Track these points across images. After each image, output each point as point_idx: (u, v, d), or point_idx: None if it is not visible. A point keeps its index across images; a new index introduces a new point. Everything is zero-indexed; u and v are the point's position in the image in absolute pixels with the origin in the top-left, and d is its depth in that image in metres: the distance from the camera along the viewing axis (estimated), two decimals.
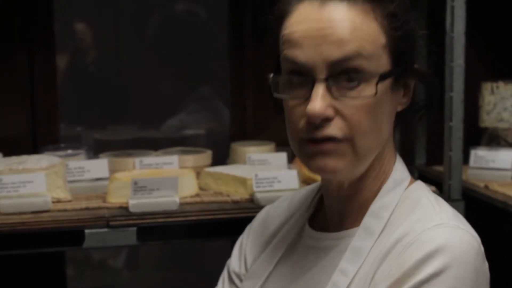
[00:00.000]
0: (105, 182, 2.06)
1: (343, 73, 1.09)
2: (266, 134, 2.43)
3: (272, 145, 2.35)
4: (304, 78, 1.11)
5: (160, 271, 3.12)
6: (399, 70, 1.13)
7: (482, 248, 1.13)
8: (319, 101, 1.09)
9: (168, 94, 2.88)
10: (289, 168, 2.18)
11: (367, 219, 1.17)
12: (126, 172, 2.11)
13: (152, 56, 2.90)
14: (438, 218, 1.12)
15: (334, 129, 1.11)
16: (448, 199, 2.10)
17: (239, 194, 2.05)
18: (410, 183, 1.22)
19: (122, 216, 1.89)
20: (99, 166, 2.13)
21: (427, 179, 2.36)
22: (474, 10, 2.21)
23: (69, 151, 2.24)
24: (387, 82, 1.12)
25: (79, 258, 3.07)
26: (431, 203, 1.17)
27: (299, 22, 1.11)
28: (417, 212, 1.15)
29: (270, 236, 1.33)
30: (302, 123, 1.12)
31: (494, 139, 2.45)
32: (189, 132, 2.83)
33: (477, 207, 2.18)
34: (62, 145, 2.34)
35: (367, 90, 1.09)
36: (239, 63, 2.60)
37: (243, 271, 1.36)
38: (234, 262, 1.38)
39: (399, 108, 1.18)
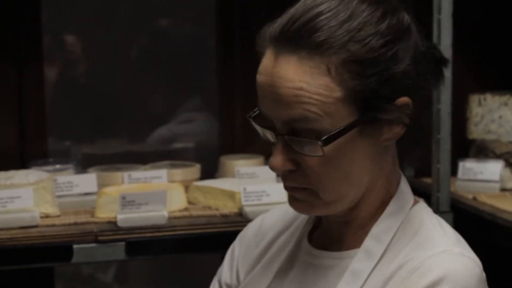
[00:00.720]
0: (94, 197, 2.05)
1: (295, 131, 1.08)
2: (255, 147, 2.43)
3: (261, 158, 2.35)
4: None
5: (150, 285, 3.11)
6: (370, 116, 1.07)
7: (483, 274, 1.13)
8: (278, 156, 1.09)
9: (157, 108, 2.88)
10: (278, 181, 2.18)
11: (368, 242, 1.15)
12: (115, 186, 2.11)
13: (142, 69, 2.90)
14: (443, 243, 1.11)
15: (297, 180, 1.11)
16: (437, 211, 2.10)
17: (228, 208, 2.04)
18: (413, 204, 1.19)
19: (111, 231, 1.89)
20: (87, 181, 2.13)
21: (416, 191, 2.35)
22: (461, 23, 2.22)
23: (58, 166, 2.24)
24: (353, 132, 1.07)
25: (68, 273, 3.06)
26: (435, 227, 1.15)
27: (260, 72, 1.09)
28: (420, 236, 1.13)
29: (265, 248, 1.30)
30: None
31: (482, 151, 2.46)
32: (178, 145, 2.83)
33: (465, 219, 2.18)
34: (51, 159, 2.33)
35: (315, 151, 1.07)
36: (228, 76, 2.60)
37: (234, 282, 1.34)
38: (226, 273, 1.36)
39: (386, 143, 1.12)
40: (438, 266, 1.07)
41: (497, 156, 2.40)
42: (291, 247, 1.26)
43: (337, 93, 1.05)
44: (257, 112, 1.13)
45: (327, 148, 1.06)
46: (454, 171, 2.25)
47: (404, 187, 1.20)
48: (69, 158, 2.48)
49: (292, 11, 1.08)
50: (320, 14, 1.06)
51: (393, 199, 1.17)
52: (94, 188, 2.11)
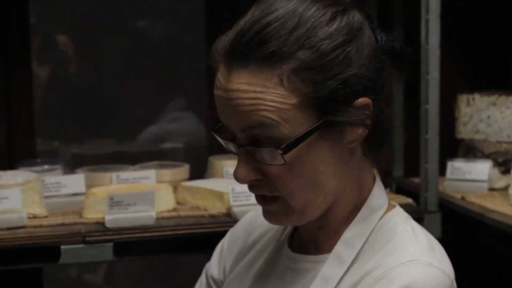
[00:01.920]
0: (82, 198, 2.05)
1: (255, 140, 1.07)
2: None
3: None
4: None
5: (138, 286, 3.10)
6: (329, 120, 1.06)
7: (454, 284, 1.11)
8: (241, 167, 1.09)
9: (146, 108, 2.88)
10: None
11: (339, 247, 1.14)
12: (103, 187, 2.10)
13: (130, 70, 2.90)
14: (412, 252, 1.10)
15: (264, 189, 1.11)
16: (425, 211, 2.10)
17: (216, 208, 2.04)
18: (388, 209, 1.18)
19: (98, 231, 1.89)
20: (75, 181, 2.12)
21: (405, 191, 2.37)
22: (450, 23, 2.23)
23: (46, 166, 2.23)
24: (314, 137, 1.06)
25: (57, 274, 3.05)
26: (407, 233, 1.14)
27: (216, 87, 1.09)
28: (391, 243, 1.12)
29: (249, 245, 1.30)
30: None
31: (471, 151, 2.47)
32: (167, 145, 2.83)
33: (453, 219, 2.19)
34: (39, 160, 2.33)
35: (277, 159, 1.06)
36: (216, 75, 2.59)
37: (221, 277, 1.34)
38: (214, 267, 1.36)
39: (351, 145, 1.11)
40: (403, 275, 1.06)
41: (486, 156, 2.41)
42: (272, 249, 1.25)
43: (293, 100, 1.04)
44: (220, 124, 1.13)
45: (288, 156, 1.05)
46: (442, 171, 2.26)
47: (377, 191, 1.18)
48: (57, 159, 2.47)
49: (241, 23, 1.07)
50: (268, 25, 1.05)
51: (366, 203, 1.16)
52: (82, 189, 2.10)
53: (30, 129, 2.48)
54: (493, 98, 2.42)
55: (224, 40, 1.09)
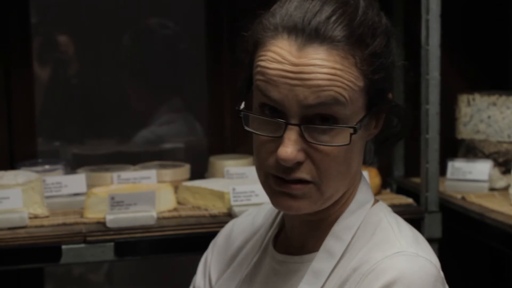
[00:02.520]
0: (83, 198, 2.05)
1: (317, 119, 1.07)
2: (244, 147, 2.43)
3: (250, 158, 2.35)
4: (277, 115, 1.09)
5: (139, 286, 3.10)
6: (375, 110, 1.11)
7: (441, 274, 1.12)
8: (290, 146, 1.07)
9: (146, 108, 2.88)
10: None
11: (328, 241, 1.15)
12: (104, 187, 2.10)
13: (131, 70, 2.90)
14: (398, 244, 1.11)
15: (303, 172, 1.09)
16: (425, 211, 2.11)
17: (217, 208, 2.05)
18: (373, 204, 1.20)
19: (99, 231, 1.89)
20: (76, 181, 2.12)
21: (405, 191, 2.37)
22: (450, 23, 2.23)
23: (47, 167, 2.23)
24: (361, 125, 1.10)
25: (58, 274, 3.05)
26: (391, 227, 1.15)
27: (276, 60, 1.07)
28: (376, 237, 1.13)
29: (234, 253, 1.31)
30: (272, 160, 1.10)
31: (471, 151, 2.47)
32: (167, 145, 2.83)
33: (454, 219, 2.19)
34: (40, 160, 2.33)
35: (340, 139, 1.07)
36: (216, 75, 2.60)
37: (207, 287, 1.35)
38: (199, 279, 1.36)
39: (369, 138, 1.16)
40: (391, 268, 1.07)
41: (486, 156, 2.41)
42: (258, 252, 1.25)
43: (361, 83, 1.08)
44: (256, 105, 1.12)
45: (353, 137, 1.08)
46: (443, 171, 2.26)
47: (365, 186, 1.20)
48: (58, 159, 2.47)
49: (302, 3, 1.09)
50: (338, 7, 1.08)
51: (354, 198, 1.18)
52: (83, 189, 2.11)
53: (31, 129, 2.48)
54: (494, 98, 2.42)
55: (285, 14, 1.09)
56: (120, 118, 2.89)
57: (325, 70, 1.06)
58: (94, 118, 2.87)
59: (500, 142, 2.41)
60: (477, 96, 2.46)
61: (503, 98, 2.41)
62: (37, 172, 2.12)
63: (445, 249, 2.02)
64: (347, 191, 1.17)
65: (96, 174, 2.25)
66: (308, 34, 1.07)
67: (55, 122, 2.86)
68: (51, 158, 2.42)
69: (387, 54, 1.11)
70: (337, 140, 1.07)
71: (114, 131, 2.88)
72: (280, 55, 1.07)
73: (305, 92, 1.06)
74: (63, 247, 1.85)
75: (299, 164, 1.09)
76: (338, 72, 1.06)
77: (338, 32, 1.07)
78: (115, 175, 2.21)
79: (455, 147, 2.53)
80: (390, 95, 1.14)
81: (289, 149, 1.07)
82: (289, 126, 1.07)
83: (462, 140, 2.51)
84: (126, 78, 2.89)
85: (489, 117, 2.43)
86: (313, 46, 1.06)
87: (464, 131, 2.48)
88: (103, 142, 2.86)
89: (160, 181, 2.22)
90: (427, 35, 2.08)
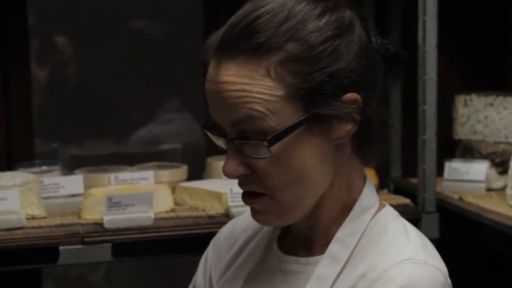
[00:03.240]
0: (80, 198, 2.05)
1: (243, 134, 1.08)
2: None
3: None
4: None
5: (137, 286, 3.10)
6: (316, 113, 1.06)
7: (449, 281, 1.11)
8: (229, 161, 1.09)
9: (144, 109, 2.88)
10: None
11: (332, 246, 1.14)
12: (101, 188, 2.11)
13: (129, 71, 2.90)
14: (406, 251, 1.10)
15: (253, 185, 1.10)
16: (423, 211, 2.11)
17: (215, 209, 2.05)
18: (379, 209, 1.18)
19: (97, 232, 1.89)
20: (74, 182, 2.12)
21: (403, 191, 2.38)
22: (447, 23, 2.23)
23: (44, 168, 2.24)
24: (301, 130, 1.07)
25: (56, 274, 3.05)
26: (399, 232, 1.14)
27: (207, 80, 1.09)
28: (383, 243, 1.13)
29: (236, 253, 1.29)
30: None
31: (468, 151, 2.47)
32: (165, 146, 2.83)
33: (451, 219, 2.19)
34: (37, 161, 2.33)
35: (263, 152, 1.06)
36: None
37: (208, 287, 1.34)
38: (200, 279, 1.35)
39: (340, 141, 1.11)
40: (400, 275, 1.06)
41: (483, 157, 2.41)
42: (261, 251, 1.25)
43: (280, 91, 1.05)
44: (212, 122, 1.13)
45: (275, 148, 1.06)
46: (440, 172, 2.26)
47: (368, 190, 1.18)
48: (55, 160, 2.47)
49: (233, 18, 1.09)
50: (258, 17, 1.06)
51: (357, 202, 1.16)
52: (80, 190, 2.11)
53: (28, 130, 2.48)
54: (491, 98, 2.43)
55: (217, 34, 1.10)
56: (118, 119, 2.89)
57: (234, 87, 1.05)
58: (92, 119, 2.88)
59: (497, 143, 2.42)
60: (474, 97, 2.46)
61: (500, 98, 2.42)
62: (35, 173, 2.13)
63: (442, 250, 2.01)
64: (329, 193, 1.14)
65: (93, 175, 2.25)
66: (223, 50, 1.07)
67: (53, 123, 2.86)
68: (49, 159, 2.42)
69: (329, 57, 1.06)
70: (264, 152, 1.06)
71: (112, 132, 2.89)
72: (208, 75, 1.09)
73: (225, 112, 1.07)
74: (61, 248, 1.85)
75: (247, 176, 1.10)
76: (247, 87, 1.05)
77: (250, 43, 1.05)
78: (112, 176, 2.21)
79: (452, 147, 2.53)
80: (348, 96, 1.08)
81: (228, 163, 1.09)
82: (229, 143, 1.09)
83: (459, 141, 2.51)
84: (124, 79, 2.89)
85: (486, 117, 2.43)
86: (227, 62, 1.06)
87: (461, 132, 2.49)
88: (100, 143, 2.86)
89: (157, 182, 2.22)
90: (424, 35, 2.08)
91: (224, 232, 1.36)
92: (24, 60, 2.48)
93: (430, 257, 1.11)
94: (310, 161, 1.10)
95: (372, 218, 1.16)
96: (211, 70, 1.09)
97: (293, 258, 1.19)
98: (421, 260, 1.09)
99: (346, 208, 1.16)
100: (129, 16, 2.88)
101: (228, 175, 1.10)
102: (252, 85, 1.05)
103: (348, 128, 1.10)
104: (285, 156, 1.08)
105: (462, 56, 2.62)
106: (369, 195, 1.18)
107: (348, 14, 1.11)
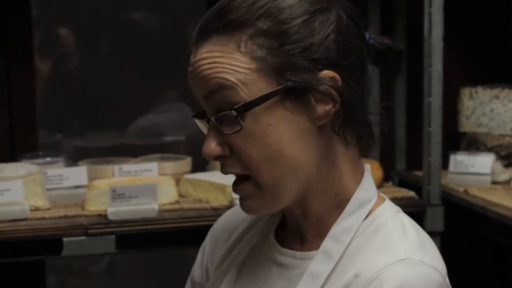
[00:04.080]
0: (84, 190, 2.05)
1: (218, 109, 1.09)
2: None
3: None
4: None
5: (141, 278, 3.10)
6: (289, 86, 1.07)
7: (447, 281, 1.10)
8: (207, 141, 1.10)
9: (147, 100, 2.88)
10: None
11: (326, 243, 1.13)
12: (105, 179, 2.10)
13: (132, 63, 2.90)
14: (402, 250, 1.08)
15: (231, 166, 1.11)
16: (428, 204, 2.10)
17: (219, 201, 2.04)
18: (377, 204, 1.16)
19: (101, 224, 1.89)
20: (78, 174, 2.12)
21: (407, 184, 2.37)
22: (453, 15, 2.22)
23: (48, 159, 2.23)
24: (275, 105, 1.07)
25: (60, 266, 3.06)
26: (397, 230, 1.12)
27: (189, 66, 1.13)
28: (380, 241, 1.11)
29: (233, 243, 1.28)
30: None
31: (473, 144, 2.46)
32: (169, 138, 2.83)
33: (456, 212, 2.18)
34: (41, 152, 2.32)
35: (235, 126, 1.07)
36: None
37: (204, 279, 1.33)
38: (197, 270, 1.35)
39: (321, 122, 1.10)
40: (394, 276, 1.04)
41: (488, 149, 2.40)
42: (258, 242, 1.24)
43: (251, 65, 1.07)
44: (200, 111, 1.15)
45: (248, 122, 1.06)
46: (445, 164, 2.25)
47: (367, 184, 1.16)
48: (59, 151, 2.47)
49: (211, 7, 1.12)
50: (231, 0, 1.10)
51: (353, 196, 1.15)
52: (84, 181, 2.10)
53: (32, 122, 2.48)
54: (496, 91, 2.42)
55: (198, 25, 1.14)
56: (121, 111, 2.89)
57: (207, 61, 1.08)
58: (95, 111, 2.88)
59: (502, 135, 2.41)
60: (479, 89, 2.45)
61: (506, 91, 2.41)
62: (38, 164, 2.12)
63: (447, 243, 2.02)
64: (316, 180, 1.13)
65: (97, 167, 2.24)
66: (200, 33, 1.11)
67: (56, 115, 2.86)
68: (52, 151, 2.41)
69: (300, 32, 1.07)
70: (235, 125, 1.07)
71: (115, 123, 2.88)
72: (190, 60, 1.12)
73: (199, 86, 1.10)
74: (64, 239, 1.85)
75: (226, 158, 1.10)
76: (218, 59, 1.07)
77: (220, 23, 1.08)
78: (116, 167, 2.20)
79: (457, 140, 2.52)
80: (325, 73, 1.08)
81: (206, 143, 1.10)
82: (210, 122, 1.10)
83: (465, 133, 2.50)
84: (126, 71, 2.89)
85: (491, 110, 2.42)
86: (203, 43, 1.10)
87: (467, 124, 2.48)
88: (104, 134, 2.86)
89: (161, 174, 2.21)
90: (429, 27, 2.07)
91: (221, 223, 1.35)
92: (27, 53, 2.47)
93: (427, 257, 1.09)
94: (287, 138, 1.09)
95: (369, 213, 1.15)
96: (191, 57, 1.12)
97: (289, 252, 1.18)
98: (417, 260, 1.07)
99: (340, 202, 1.14)
100: (129, 9, 2.87)
101: (206, 155, 1.10)
102: (223, 58, 1.07)
103: (326, 108, 1.09)
104: (259, 132, 1.07)
105: (467, 48, 2.61)
106: (366, 190, 1.16)
107: None
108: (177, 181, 2.16)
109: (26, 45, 2.46)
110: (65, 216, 1.93)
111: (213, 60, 1.08)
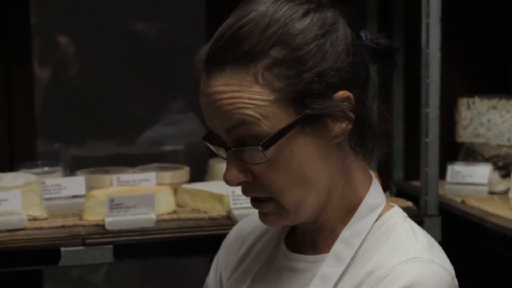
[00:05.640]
0: (82, 200, 2.05)
1: (240, 140, 1.09)
2: None
3: None
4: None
5: (141, 287, 3.10)
6: (308, 114, 1.08)
7: (455, 281, 1.12)
8: (229, 169, 1.11)
9: (146, 110, 2.88)
10: None
11: (337, 246, 1.15)
12: (103, 189, 2.10)
13: (131, 71, 2.90)
14: (413, 250, 1.11)
15: (256, 191, 1.13)
16: (425, 214, 2.10)
17: (216, 211, 2.04)
18: (386, 209, 1.19)
19: (98, 234, 1.89)
20: (75, 184, 2.12)
21: (405, 194, 2.37)
22: (451, 26, 2.23)
23: (46, 168, 2.23)
24: (296, 133, 1.08)
25: (57, 275, 3.05)
26: (407, 232, 1.15)
27: (201, 94, 1.12)
28: (391, 242, 1.14)
29: (245, 252, 1.31)
30: None
31: (471, 154, 2.47)
32: (167, 148, 2.83)
33: (453, 222, 2.19)
34: (39, 162, 2.32)
35: (260, 157, 1.08)
36: None
37: (218, 287, 1.35)
38: (211, 279, 1.38)
39: (337, 140, 1.12)
40: (406, 273, 1.07)
41: (486, 160, 2.40)
42: (269, 250, 1.26)
43: (270, 96, 1.07)
44: (211, 133, 1.15)
45: (270, 152, 1.08)
46: (442, 175, 2.26)
47: (375, 190, 1.19)
48: (57, 161, 2.46)
49: (218, 31, 1.11)
50: (241, 27, 1.08)
51: (363, 202, 1.17)
52: (82, 191, 2.10)
53: (30, 131, 2.48)
54: (494, 101, 2.43)
55: (205, 49, 1.13)
56: (121, 120, 2.89)
57: (225, 95, 1.07)
58: (94, 120, 2.87)
59: (500, 146, 2.41)
60: (477, 100, 2.46)
61: (503, 101, 2.41)
62: (36, 174, 2.12)
63: (445, 253, 2.02)
64: (333, 194, 1.15)
65: (95, 176, 2.24)
66: (211, 63, 1.10)
67: (55, 123, 2.86)
68: (51, 160, 2.41)
69: (314, 57, 1.08)
70: (260, 157, 1.08)
71: (114, 133, 2.88)
72: (201, 88, 1.11)
73: (218, 120, 1.09)
74: (62, 249, 1.85)
75: (249, 183, 1.12)
76: (237, 94, 1.07)
77: (235, 52, 1.07)
78: (114, 177, 2.20)
79: (455, 150, 2.53)
80: (339, 95, 1.09)
81: (228, 171, 1.11)
82: (228, 150, 1.11)
83: (462, 144, 2.51)
84: (126, 79, 2.89)
85: (489, 120, 2.43)
86: (216, 74, 1.09)
87: (464, 135, 2.48)
88: (102, 144, 2.86)
89: (159, 184, 2.21)
90: (427, 38, 2.08)
91: (233, 233, 1.37)
92: (26, 59, 2.47)
93: (436, 257, 1.12)
94: (308, 162, 1.11)
95: (378, 217, 1.17)
96: (202, 84, 1.11)
97: (300, 256, 1.20)
98: (427, 259, 1.10)
99: (351, 208, 1.17)
100: (130, 16, 2.88)
101: (229, 182, 1.12)
102: (242, 92, 1.07)
103: (343, 126, 1.11)
104: (282, 159, 1.09)
105: (465, 59, 2.61)
106: (375, 195, 1.19)
107: (330, 13, 1.12)
108: (175, 191, 2.16)
109: (25, 52, 2.46)
110: (63, 226, 1.93)
111: (231, 95, 1.07)
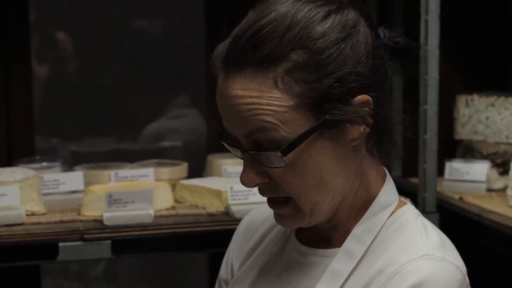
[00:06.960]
0: (80, 195, 2.05)
1: (257, 144, 1.09)
2: None
3: None
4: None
5: (137, 283, 3.10)
6: (327, 119, 1.06)
7: (467, 279, 1.13)
8: (246, 171, 1.10)
9: (144, 106, 2.88)
10: None
11: (348, 242, 1.15)
12: (101, 185, 2.10)
13: (130, 68, 2.90)
14: (424, 248, 1.11)
15: (273, 191, 1.12)
16: (423, 211, 2.11)
17: (215, 206, 2.04)
18: (399, 206, 1.19)
19: (97, 229, 1.89)
20: (74, 179, 2.12)
21: (403, 191, 2.36)
22: (449, 23, 2.23)
23: (44, 164, 2.23)
24: (315, 137, 1.07)
25: (55, 270, 3.05)
26: (419, 230, 1.14)
27: (217, 94, 1.10)
28: (403, 239, 1.13)
29: (256, 242, 1.31)
30: None
31: (469, 152, 2.47)
32: (165, 144, 2.83)
33: (451, 220, 2.19)
34: (37, 157, 2.33)
35: (278, 161, 1.07)
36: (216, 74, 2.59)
37: (229, 276, 1.35)
38: (223, 269, 1.38)
39: (354, 143, 1.11)
40: (417, 270, 1.07)
41: (484, 157, 2.41)
42: (280, 242, 1.26)
43: (289, 102, 1.05)
44: (226, 133, 1.14)
45: (289, 157, 1.07)
46: (441, 172, 2.26)
47: (389, 188, 1.19)
48: (56, 156, 2.47)
49: (237, 29, 1.08)
50: (261, 28, 1.06)
51: (376, 199, 1.17)
52: (80, 186, 2.10)
53: (29, 126, 2.48)
54: (492, 99, 2.43)
55: (222, 47, 1.10)
56: (119, 116, 2.89)
57: (244, 101, 1.06)
58: (92, 115, 2.87)
59: (498, 143, 2.41)
60: (475, 97, 2.46)
61: (502, 99, 2.41)
62: (35, 169, 2.12)
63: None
64: (348, 194, 1.15)
65: (93, 172, 2.25)
66: (230, 64, 1.07)
67: (53, 119, 2.86)
68: (49, 155, 2.42)
69: (335, 62, 1.06)
70: (275, 164, 1.08)
71: (112, 129, 2.88)
72: (218, 88, 1.10)
73: (236, 123, 1.08)
74: (60, 244, 1.85)
75: (265, 184, 1.11)
76: (256, 100, 1.05)
77: (255, 55, 1.05)
78: (112, 173, 2.20)
79: (453, 147, 2.53)
80: (359, 99, 1.08)
81: (244, 173, 1.10)
82: (244, 153, 1.10)
83: (460, 141, 2.51)
84: (125, 76, 2.89)
85: (487, 118, 2.43)
86: (235, 76, 1.07)
87: (462, 132, 2.48)
88: (101, 140, 2.86)
89: (157, 179, 2.21)
90: (426, 35, 2.08)
91: (245, 222, 1.37)
92: (25, 56, 2.48)
93: (447, 255, 1.12)
94: (326, 166, 1.10)
95: (390, 215, 1.17)
96: (220, 84, 1.09)
97: (312, 249, 1.20)
98: (438, 257, 1.10)
99: (365, 206, 1.17)
100: (130, 13, 2.88)
101: (246, 184, 1.11)
102: (261, 98, 1.05)
103: (361, 130, 1.10)
104: (300, 163, 1.08)
105: (464, 56, 2.61)
106: (388, 193, 1.18)
107: (351, 15, 1.10)
108: (173, 187, 2.16)
109: (24, 50, 2.46)
110: (61, 221, 1.93)
111: (250, 100, 1.06)
